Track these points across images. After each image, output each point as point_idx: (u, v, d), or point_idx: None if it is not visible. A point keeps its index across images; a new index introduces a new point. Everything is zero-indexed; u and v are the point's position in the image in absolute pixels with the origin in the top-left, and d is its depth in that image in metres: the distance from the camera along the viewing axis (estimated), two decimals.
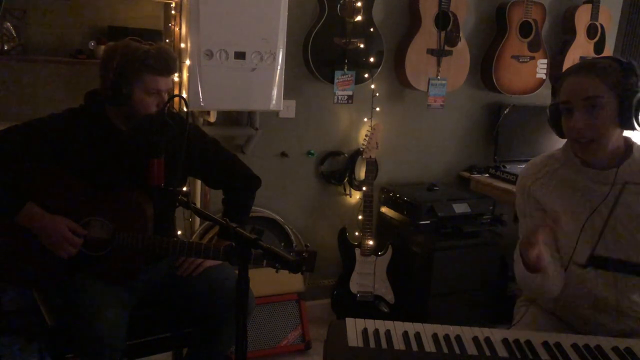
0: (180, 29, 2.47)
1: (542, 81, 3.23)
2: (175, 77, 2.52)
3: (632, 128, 1.51)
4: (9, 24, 2.31)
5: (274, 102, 2.49)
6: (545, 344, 1.43)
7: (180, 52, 2.46)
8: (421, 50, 2.92)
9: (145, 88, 1.80)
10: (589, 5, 3.22)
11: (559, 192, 1.66)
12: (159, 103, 1.83)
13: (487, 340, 1.42)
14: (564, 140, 1.67)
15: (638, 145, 1.62)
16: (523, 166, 1.87)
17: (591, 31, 3.27)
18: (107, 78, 1.80)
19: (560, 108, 1.59)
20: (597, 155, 1.57)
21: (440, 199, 2.94)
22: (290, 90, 2.75)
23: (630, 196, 1.57)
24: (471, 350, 1.39)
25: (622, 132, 1.58)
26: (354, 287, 2.90)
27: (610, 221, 1.54)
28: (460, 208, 2.91)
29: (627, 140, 1.62)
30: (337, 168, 3.07)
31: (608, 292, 1.64)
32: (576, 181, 1.64)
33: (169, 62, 1.82)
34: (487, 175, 3.23)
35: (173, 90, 2.52)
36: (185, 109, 2.22)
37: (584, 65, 1.55)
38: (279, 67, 2.46)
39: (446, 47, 2.95)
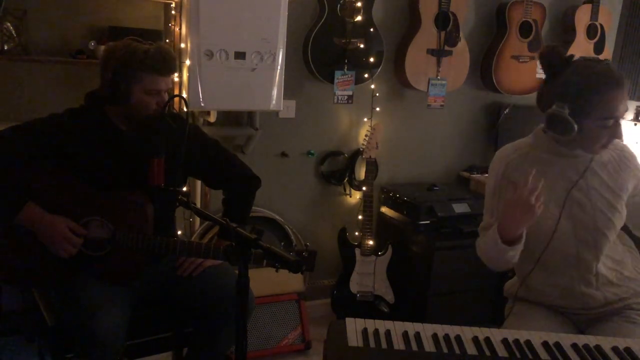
0: (180, 29, 2.47)
1: (542, 81, 3.23)
2: (175, 77, 2.52)
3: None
4: (9, 24, 2.31)
5: (274, 102, 2.49)
6: (545, 344, 1.43)
7: (180, 52, 2.46)
8: (421, 50, 2.92)
9: (145, 88, 1.80)
10: (589, 5, 3.21)
11: (536, 169, 1.73)
12: (158, 102, 1.83)
13: (487, 340, 1.42)
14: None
15: None
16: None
17: (591, 31, 3.27)
18: (106, 78, 1.80)
19: (597, 120, 1.65)
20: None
21: (440, 199, 2.94)
22: (290, 90, 2.75)
23: (592, 176, 1.75)
24: (471, 350, 1.39)
25: None
26: (354, 287, 2.90)
27: (585, 187, 1.73)
28: (460, 208, 2.91)
29: None
30: (337, 168, 3.08)
31: (587, 252, 1.76)
32: (550, 160, 1.76)
33: (168, 62, 1.82)
34: (487, 175, 3.22)
35: (173, 90, 2.53)
36: (185, 109, 2.22)
37: (619, 80, 1.66)
38: (279, 67, 2.46)
39: (446, 47, 2.95)
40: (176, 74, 2.50)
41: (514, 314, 1.85)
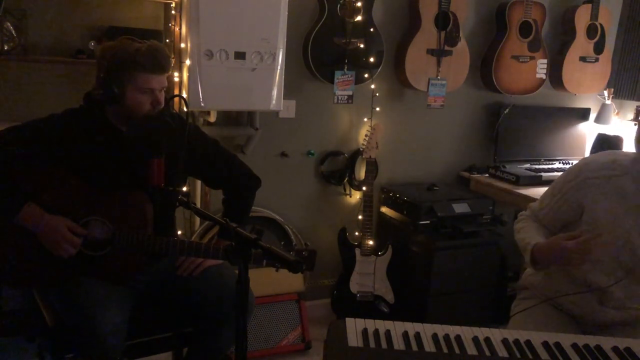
0: (180, 29, 2.47)
1: (542, 81, 3.23)
2: (175, 77, 2.52)
3: None
4: (9, 24, 2.31)
5: (274, 102, 2.49)
6: (545, 344, 1.43)
7: (180, 52, 2.46)
8: (421, 50, 2.92)
9: (138, 87, 1.78)
10: (589, 5, 3.22)
11: (608, 198, 1.68)
12: (152, 101, 1.82)
13: (487, 340, 1.42)
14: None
15: None
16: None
17: (591, 31, 3.27)
18: (99, 78, 1.80)
19: None
20: None
21: (440, 199, 2.94)
22: (290, 90, 2.75)
23: None
24: (471, 350, 1.39)
25: None
26: (354, 287, 2.90)
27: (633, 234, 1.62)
28: (460, 208, 2.91)
29: None
30: (337, 168, 3.08)
31: (618, 288, 1.70)
32: (634, 193, 1.65)
33: (160, 60, 1.80)
34: (487, 175, 3.23)
35: (170, 89, 2.52)
36: (185, 109, 2.22)
37: None
38: (279, 67, 2.46)
39: (446, 47, 2.95)
40: (176, 74, 2.51)
41: (520, 312, 1.84)
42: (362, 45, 2.78)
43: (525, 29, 3.11)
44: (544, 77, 3.23)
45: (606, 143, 3.20)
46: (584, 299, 1.76)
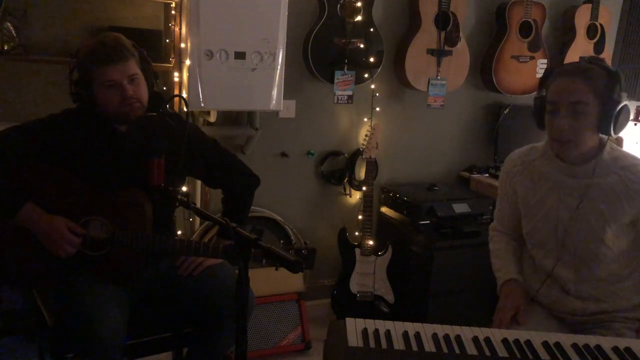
0: (180, 29, 2.47)
1: None
2: (175, 77, 2.52)
3: (608, 134, 1.64)
4: (9, 24, 2.31)
5: (274, 102, 2.49)
6: (545, 344, 1.43)
7: (180, 52, 2.46)
8: (421, 50, 2.92)
9: (100, 83, 1.77)
10: (589, 5, 3.21)
11: (532, 181, 1.82)
12: (122, 94, 1.78)
13: (487, 340, 1.42)
14: None
15: (609, 146, 1.71)
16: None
17: (591, 31, 3.27)
18: (70, 90, 1.82)
19: (545, 105, 1.68)
20: (571, 153, 1.68)
21: (440, 199, 2.94)
22: (290, 90, 2.75)
23: (594, 193, 1.69)
24: (471, 350, 1.39)
25: (598, 134, 1.68)
26: (354, 287, 2.90)
27: (575, 213, 1.71)
28: (460, 208, 2.91)
29: (601, 140, 1.71)
30: (337, 168, 3.07)
31: (565, 270, 1.79)
32: (549, 173, 1.77)
33: (111, 49, 1.76)
34: (487, 175, 3.23)
35: (167, 89, 2.52)
36: (185, 109, 2.22)
37: (575, 69, 1.63)
38: (279, 67, 2.46)
39: (446, 47, 2.95)
40: (176, 74, 2.51)
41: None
42: (362, 45, 2.78)
43: (525, 29, 3.11)
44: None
45: None
46: (550, 289, 1.82)
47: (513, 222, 1.95)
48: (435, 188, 3.09)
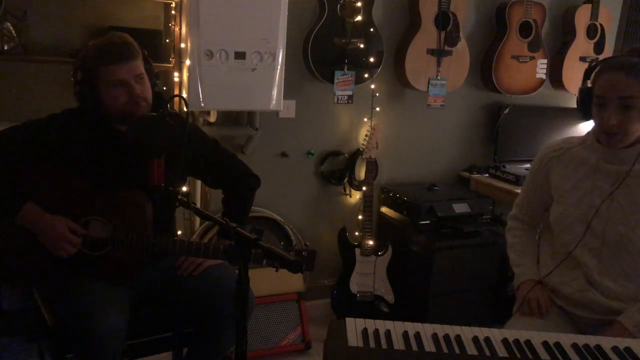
0: (180, 29, 2.47)
1: (542, 81, 3.23)
2: (175, 77, 2.52)
3: None
4: (9, 24, 2.31)
5: (274, 102, 2.49)
6: (545, 344, 1.43)
7: (180, 52, 2.46)
8: (421, 50, 2.92)
9: (107, 81, 1.77)
10: (589, 5, 3.21)
11: (568, 167, 1.82)
12: (128, 93, 1.78)
13: (487, 340, 1.42)
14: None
15: None
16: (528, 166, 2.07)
17: (591, 31, 3.27)
18: (74, 89, 1.81)
19: (593, 98, 1.70)
20: (619, 145, 1.69)
21: (440, 199, 2.94)
22: (290, 90, 2.75)
23: (633, 180, 1.69)
24: (471, 350, 1.39)
25: None
26: (354, 287, 2.90)
27: (609, 199, 1.71)
28: (460, 208, 2.91)
29: None
30: (337, 168, 3.07)
31: (591, 260, 1.77)
32: (586, 159, 1.79)
33: (118, 48, 1.76)
34: (487, 175, 3.23)
35: (167, 88, 2.52)
36: (185, 109, 2.22)
37: (624, 65, 1.63)
38: (279, 67, 2.46)
39: (446, 47, 2.95)
40: (176, 74, 2.51)
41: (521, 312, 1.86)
42: (362, 45, 2.78)
43: (525, 29, 3.11)
44: (543, 77, 3.23)
45: None
46: (576, 278, 1.80)
47: (536, 210, 1.97)
48: (435, 188, 3.09)
